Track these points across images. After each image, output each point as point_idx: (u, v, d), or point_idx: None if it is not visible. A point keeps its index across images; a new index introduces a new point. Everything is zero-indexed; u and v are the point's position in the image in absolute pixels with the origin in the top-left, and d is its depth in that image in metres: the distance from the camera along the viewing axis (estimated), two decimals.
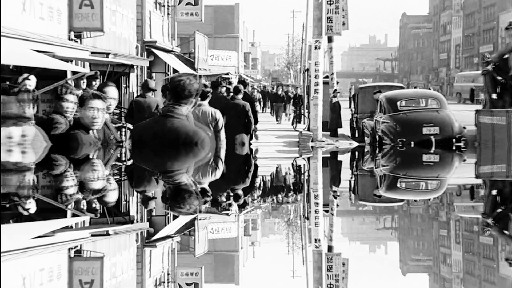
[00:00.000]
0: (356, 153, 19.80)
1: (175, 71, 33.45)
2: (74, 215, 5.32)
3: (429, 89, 40.03)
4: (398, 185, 9.82)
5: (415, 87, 65.07)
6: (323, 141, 27.03)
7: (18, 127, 6.13)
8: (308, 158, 16.31)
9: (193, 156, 6.17)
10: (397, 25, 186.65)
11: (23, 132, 5.86)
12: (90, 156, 7.14)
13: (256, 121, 14.75)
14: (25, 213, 5.25)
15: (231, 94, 15.00)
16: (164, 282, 4.51)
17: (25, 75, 10.68)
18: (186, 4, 37.44)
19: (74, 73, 14.97)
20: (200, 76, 38.69)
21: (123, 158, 8.09)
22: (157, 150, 5.99)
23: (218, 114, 9.50)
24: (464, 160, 14.99)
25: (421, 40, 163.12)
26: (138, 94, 20.28)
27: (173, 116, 5.74)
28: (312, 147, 23.02)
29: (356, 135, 30.04)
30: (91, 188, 6.24)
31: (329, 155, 18.26)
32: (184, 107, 5.77)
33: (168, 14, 34.90)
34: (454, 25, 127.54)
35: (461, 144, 16.96)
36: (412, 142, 20.22)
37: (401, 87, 31.70)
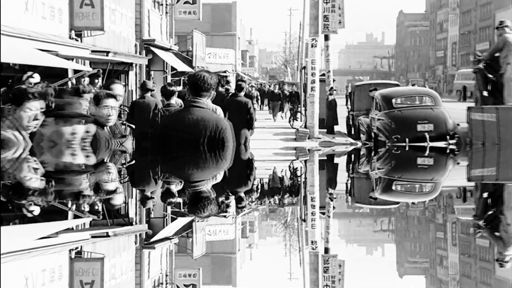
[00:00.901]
0: (352, 155, 19.88)
1: (173, 69, 33.56)
2: (76, 217, 5.37)
3: (425, 86, 40.06)
4: (394, 187, 9.89)
5: (413, 85, 65.17)
6: (319, 138, 27.13)
7: (82, 125, 6.39)
8: (305, 161, 16.39)
9: (217, 162, 6.35)
10: (394, 23, 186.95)
11: (87, 129, 6.06)
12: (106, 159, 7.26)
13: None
14: (29, 215, 5.32)
15: (230, 92, 15.17)
16: (162, 284, 4.56)
17: (29, 73, 10.83)
18: (184, 2, 37.54)
19: (75, 71, 15.12)
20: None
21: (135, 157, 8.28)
22: (182, 142, 6.18)
23: (219, 110, 9.71)
24: (458, 163, 15.13)
25: (417, 38, 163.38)
26: (138, 95, 20.40)
27: (197, 106, 6.06)
28: (309, 150, 23.12)
29: (352, 132, 30.17)
30: (104, 190, 6.32)
31: (325, 158, 18.33)
32: (204, 99, 6.12)
33: (166, 12, 35.00)
34: (450, 23, 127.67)
35: (454, 141, 17.08)
36: (407, 139, 20.36)
37: (397, 85, 31.82)
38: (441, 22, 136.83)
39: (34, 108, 5.47)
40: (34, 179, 6.19)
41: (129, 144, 7.91)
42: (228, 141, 6.09)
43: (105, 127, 7.08)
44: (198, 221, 5.68)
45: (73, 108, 4.65)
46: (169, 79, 32.65)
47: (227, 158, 6.20)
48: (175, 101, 12.29)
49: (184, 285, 4.54)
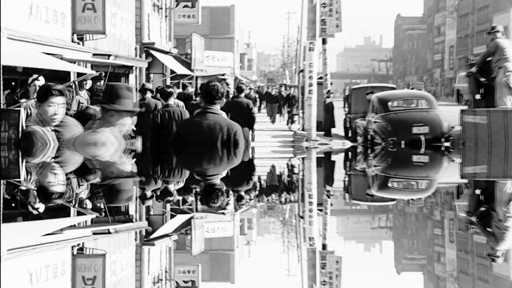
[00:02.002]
0: (349, 153, 19.96)
1: (172, 72, 33.65)
2: (78, 214, 5.46)
3: (420, 89, 40.16)
4: (390, 184, 9.96)
5: (412, 88, 65.31)
6: (316, 140, 27.21)
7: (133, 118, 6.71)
8: (303, 158, 16.50)
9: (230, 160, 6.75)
10: (392, 26, 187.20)
11: (133, 122, 6.41)
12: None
13: None
14: (35, 212, 5.42)
15: (230, 95, 15.43)
16: (161, 280, 4.61)
17: (35, 76, 10.95)
18: (184, 6, 37.65)
19: (79, 74, 15.26)
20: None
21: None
22: (201, 143, 6.79)
23: (224, 115, 9.98)
24: (453, 161, 15.29)
25: (415, 41, 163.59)
26: (138, 97, 20.52)
27: (212, 112, 6.84)
28: (306, 147, 23.23)
29: (349, 135, 30.26)
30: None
31: (323, 155, 18.41)
32: (217, 106, 6.91)
33: (166, 16, 35.06)
34: (448, 26, 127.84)
35: (449, 143, 17.23)
36: (403, 141, 20.49)
37: (393, 88, 32.00)
38: (439, 25, 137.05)
39: (56, 103, 5.72)
40: (58, 185, 6.34)
41: (138, 144, 8.11)
42: (240, 142, 6.85)
43: None
44: (198, 218, 5.77)
45: (128, 104, 4.96)
46: (168, 82, 32.75)
47: (239, 156, 6.88)
48: (174, 101, 12.45)
49: (183, 281, 4.59)
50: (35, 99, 5.88)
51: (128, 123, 4.88)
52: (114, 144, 6.50)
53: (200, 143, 6.77)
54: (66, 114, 6.71)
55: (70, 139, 4.84)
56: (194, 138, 6.81)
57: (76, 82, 14.58)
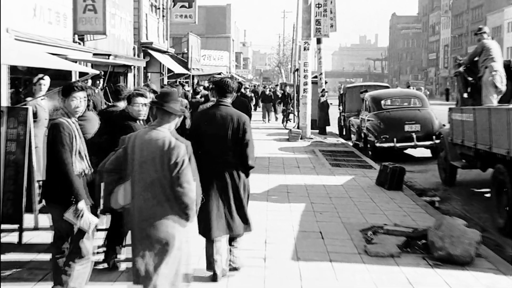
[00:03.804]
0: None
1: (169, 71, 34.00)
2: None
3: (412, 88, 40.57)
4: None
5: (408, 87, 65.76)
6: (311, 138, 27.72)
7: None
8: None
9: None
10: (387, 25, 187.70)
11: (179, 122, 7.27)
12: None
13: None
14: None
15: None
16: None
17: (40, 75, 11.40)
18: (181, 6, 38.05)
19: (81, 74, 15.71)
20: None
21: None
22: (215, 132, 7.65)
23: None
24: None
25: (410, 40, 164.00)
26: None
27: (224, 105, 7.86)
28: None
29: (344, 133, 30.79)
30: None
31: None
32: (228, 99, 7.93)
33: (163, 16, 35.39)
34: (442, 25, 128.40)
35: (440, 140, 17.77)
36: (395, 138, 21.09)
37: (387, 87, 32.34)
38: (434, 24, 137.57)
39: (78, 98, 6.50)
40: None
41: None
42: (248, 130, 7.76)
43: (137, 121, 8.13)
44: None
45: (178, 106, 5.79)
46: (165, 81, 33.23)
47: (248, 139, 7.76)
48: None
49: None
50: (60, 96, 6.57)
51: (175, 122, 5.81)
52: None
53: (214, 133, 7.62)
54: (88, 109, 7.48)
55: (131, 135, 5.73)
56: (209, 128, 7.65)
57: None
